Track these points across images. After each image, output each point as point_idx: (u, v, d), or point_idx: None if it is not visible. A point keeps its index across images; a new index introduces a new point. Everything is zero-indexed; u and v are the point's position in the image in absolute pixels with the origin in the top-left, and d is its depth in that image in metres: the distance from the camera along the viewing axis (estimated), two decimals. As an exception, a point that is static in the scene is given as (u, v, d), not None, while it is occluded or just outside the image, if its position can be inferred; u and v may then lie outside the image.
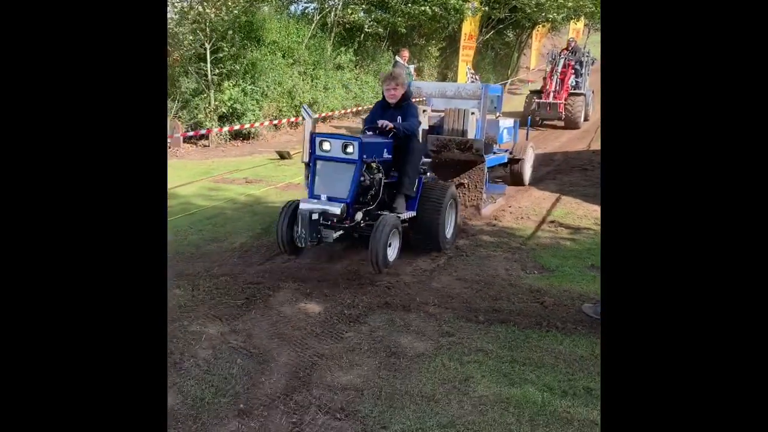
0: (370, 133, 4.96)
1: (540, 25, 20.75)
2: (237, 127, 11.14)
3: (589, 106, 14.32)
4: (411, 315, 3.88)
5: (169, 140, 9.40)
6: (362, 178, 4.48)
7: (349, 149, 4.37)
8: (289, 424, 2.73)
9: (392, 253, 4.52)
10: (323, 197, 4.39)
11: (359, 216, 4.55)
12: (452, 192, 5.20)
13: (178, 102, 10.75)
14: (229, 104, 11.04)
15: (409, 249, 5.01)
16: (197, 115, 10.98)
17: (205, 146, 10.96)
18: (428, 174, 5.45)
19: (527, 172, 8.14)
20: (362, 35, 15.02)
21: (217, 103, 11.03)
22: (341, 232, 4.48)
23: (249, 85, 11.46)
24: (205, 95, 11.06)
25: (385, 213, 4.65)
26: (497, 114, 7.60)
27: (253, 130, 11.50)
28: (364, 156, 4.41)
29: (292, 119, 12.49)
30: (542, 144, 11.76)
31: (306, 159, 4.73)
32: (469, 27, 17.47)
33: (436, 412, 2.82)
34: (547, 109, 13.51)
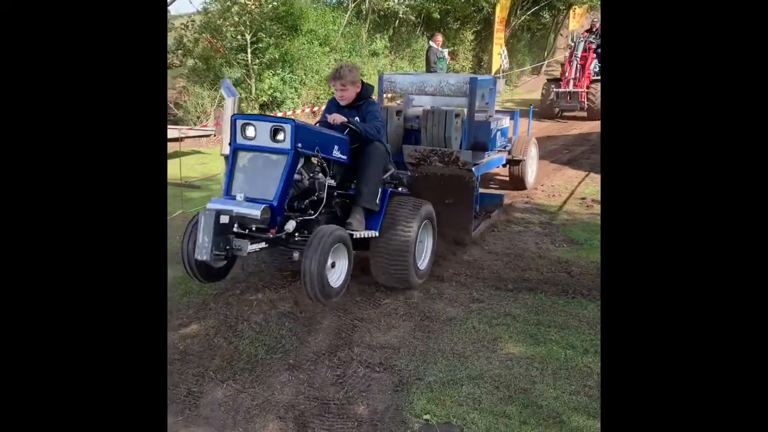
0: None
1: (576, 5, 20.50)
2: (279, 114, 11.55)
3: None
4: (444, 284, 4.17)
5: (214, 128, 9.87)
6: (299, 177, 3.43)
7: (280, 136, 3.31)
8: (334, 376, 3.07)
9: (337, 276, 3.42)
10: (239, 196, 3.26)
11: (291, 225, 3.39)
12: (427, 210, 4.06)
13: (221, 92, 11.21)
14: (269, 93, 11.43)
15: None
16: (239, 104, 11.42)
17: (247, 134, 11.40)
18: (401, 189, 4.31)
19: (530, 175, 6.81)
20: (396, 21, 15.20)
21: (257, 92, 11.44)
22: (263, 244, 3.34)
23: (288, 73, 11.83)
24: (246, 84, 11.48)
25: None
26: (488, 114, 5.95)
27: (293, 117, 11.89)
28: (300, 145, 3.32)
29: (330, 106, 12.82)
30: (577, 125, 11.80)
31: (225, 151, 3.61)
32: (500, 11, 17.43)
33: (466, 366, 3.11)
34: (566, 98, 12.00)
